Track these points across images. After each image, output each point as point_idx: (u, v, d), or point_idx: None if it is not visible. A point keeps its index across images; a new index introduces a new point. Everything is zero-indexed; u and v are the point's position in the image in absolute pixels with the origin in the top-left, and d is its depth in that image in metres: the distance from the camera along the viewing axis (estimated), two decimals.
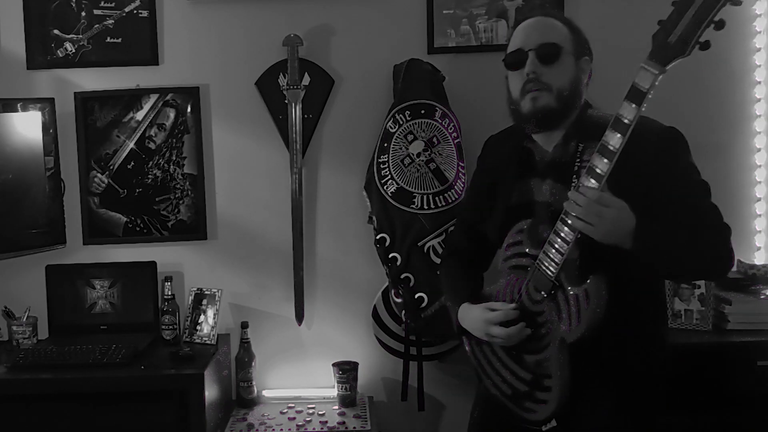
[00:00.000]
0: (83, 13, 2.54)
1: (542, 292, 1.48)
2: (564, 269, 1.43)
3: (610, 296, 1.39)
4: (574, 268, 1.44)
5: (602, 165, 1.35)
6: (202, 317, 2.50)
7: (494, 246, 1.70)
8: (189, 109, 2.56)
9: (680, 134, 1.49)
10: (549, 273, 1.45)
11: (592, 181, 1.37)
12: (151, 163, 2.58)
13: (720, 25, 1.23)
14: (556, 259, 1.43)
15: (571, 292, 1.43)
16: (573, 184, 1.46)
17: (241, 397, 2.50)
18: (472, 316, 1.60)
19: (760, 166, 2.57)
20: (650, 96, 1.31)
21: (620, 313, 1.41)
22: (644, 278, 1.52)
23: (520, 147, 1.62)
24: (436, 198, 2.36)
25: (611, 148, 1.34)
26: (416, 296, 2.37)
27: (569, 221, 1.39)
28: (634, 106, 1.32)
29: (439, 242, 2.34)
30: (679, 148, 1.49)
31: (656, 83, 1.31)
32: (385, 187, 2.40)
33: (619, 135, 1.33)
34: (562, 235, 1.41)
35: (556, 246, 1.42)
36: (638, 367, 1.52)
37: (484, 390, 1.68)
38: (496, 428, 1.67)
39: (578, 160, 1.49)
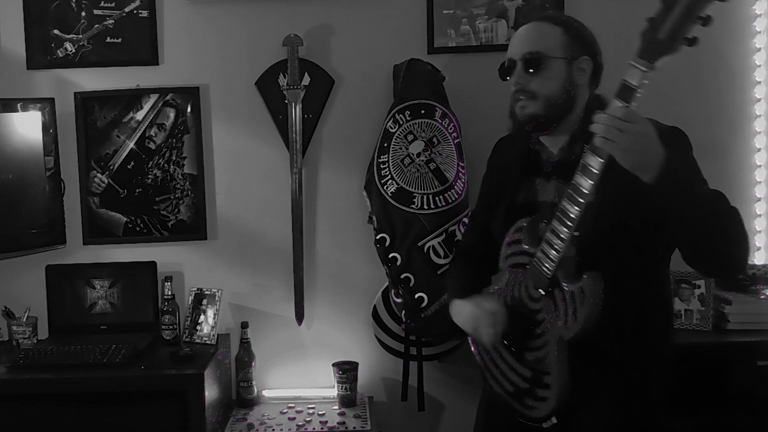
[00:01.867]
0: (83, 13, 2.54)
1: (540, 290, 1.49)
2: (562, 266, 1.45)
3: (608, 293, 1.40)
4: (572, 265, 1.45)
5: (595, 163, 1.33)
6: (202, 317, 2.50)
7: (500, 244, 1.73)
8: (189, 109, 2.56)
9: (683, 133, 1.51)
10: (546, 270, 1.46)
11: (621, 107, 1.31)
12: (151, 163, 2.58)
13: (707, 21, 1.21)
14: (552, 257, 1.44)
15: (567, 289, 1.44)
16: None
17: (241, 397, 2.50)
18: (460, 312, 1.63)
19: (760, 166, 2.57)
20: (639, 94, 1.29)
21: (620, 310, 1.42)
22: (645, 276, 1.53)
23: (527, 148, 1.64)
24: (436, 198, 2.36)
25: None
26: (416, 296, 2.37)
27: (575, 195, 1.37)
28: (623, 103, 1.30)
29: (439, 242, 2.34)
30: (684, 145, 1.50)
31: (645, 81, 1.29)
32: (385, 187, 2.40)
33: None
34: (559, 232, 1.42)
35: (554, 244, 1.44)
36: (639, 365, 1.53)
37: (489, 389, 1.69)
38: (501, 428, 1.67)
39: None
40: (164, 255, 2.57)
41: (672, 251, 1.55)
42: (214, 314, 2.49)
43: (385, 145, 2.40)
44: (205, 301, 2.52)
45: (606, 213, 1.41)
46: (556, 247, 1.43)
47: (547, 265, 1.46)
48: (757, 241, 2.58)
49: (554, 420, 1.50)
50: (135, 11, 2.54)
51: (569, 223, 1.40)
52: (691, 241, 1.39)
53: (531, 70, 1.52)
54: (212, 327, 2.48)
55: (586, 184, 1.35)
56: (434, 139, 2.38)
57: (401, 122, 2.39)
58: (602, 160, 1.32)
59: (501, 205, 1.66)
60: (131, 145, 2.57)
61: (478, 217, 1.84)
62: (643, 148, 1.29)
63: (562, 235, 1.41)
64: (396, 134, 2.40)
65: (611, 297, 1.40)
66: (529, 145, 1.64)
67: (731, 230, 1.39)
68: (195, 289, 2.55)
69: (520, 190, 1.62)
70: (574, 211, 1.38)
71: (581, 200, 1.36)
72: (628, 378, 1.52)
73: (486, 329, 1.55)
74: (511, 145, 1.73)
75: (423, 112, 2.38)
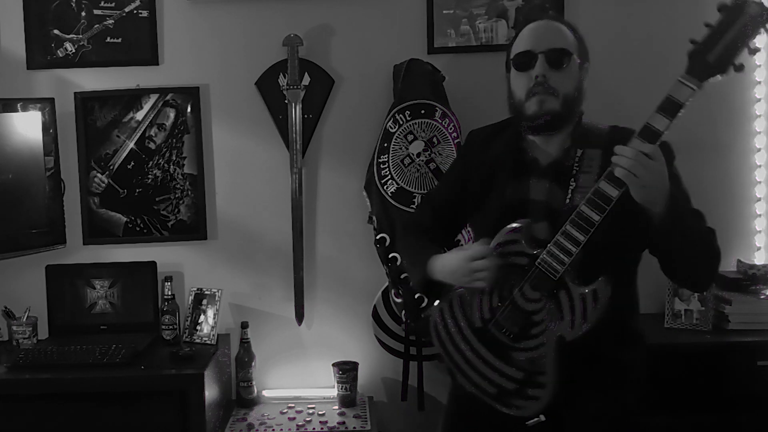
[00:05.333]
0: (83, 13, 2.54)
1: (542, 292, 1.49)
2: (571, 269, 1.46)
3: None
4: (579, 269, 1.47)
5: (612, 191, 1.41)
6: (202, 317, 2.50)
7: (457, 233, 1.85)
8: (189, 109, 2.56)
9: (668, 144, 1.52)
10: (553, 273, 1.47)
11: (648, 144, 1.37)
12: (151, 163, 2.58)
13: (755, 51, 1.34)
14: (563, 260, 1.45)
15: (579, 292, 1.46)
16: (571, 187, 1.51)
17: (241, 397, 2.50)
18: (448, 260, 1.59)
19: (760, 166, 2.57)
20: (681, 113, 1.35)
21: (611, 312, 1.46)
22: (631, 281, 1.60)
23: (516, 146, 1.63)
24: None
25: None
26: (416, 296, 2.37)
27: (608, 187, 1.40)
28: (667, 118, 1.36)
29: None
30: (669, 157, 1.51)
31: (692, 97, 1.35)
32: (385, 187, 2.40)
33: (649, 145, 1.37)
34: (573, 236, 1.44)
35: (566, 247, 1.45)
36: (625, 363, 1.58)
37: (460, 387, 1.67)
38: (473, 422, 1.68)
39: (577, 164, 1.53)
40: (164, 255, 2.57)
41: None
42: (214, 314, 2.49)
43: (385, 145, 2.40)
44: (205, 301, 2.52)
45: (617, 222, 1.43)
46: (570, 249, 1.44)
47: (556, 266, 1.46)
48: (757, 241, 2.58)
49: (542, 418, 1.51)
50: (135, 11, 2.54)
51: (588, 228, 1.42)
52: (675, 261, 1.50)
53: (556, 66, 1.52)
54: (212, 327, 2.48)
55: (613, 193, 1.40)
56: (434, 139, 2.38)
57: (401, 122, 2.39)
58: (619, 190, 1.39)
59: (489, 202, 1.64)
60: (131, 145, 2.57)
61: (439, 203, 1.80)
62: (657, 186, 1.37)
63: (578, 239, 1.43)
64: (396, 134, 2.40)
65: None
66: (518, 143, 1.63)
67: (709, 253, 1.50)
68: (195, 289, 2.55)
69: (509, 188, 1.60)
70: (595, 217, 1.41)
71: (606, 207, 1.41)
72: (617, 376, 1.56)
73: (482, 272, 1.51)
74: (493, 139, 1.70)
75: (423, 112, 2.38)
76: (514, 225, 1.53)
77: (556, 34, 1.55)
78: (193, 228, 2.60)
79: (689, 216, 1.48)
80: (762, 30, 1.32)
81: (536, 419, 1.51)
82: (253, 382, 2.51)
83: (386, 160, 2.40)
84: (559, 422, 1.53)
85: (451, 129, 2.39)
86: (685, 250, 1.46)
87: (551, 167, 1.58)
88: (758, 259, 2.57)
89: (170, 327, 2.45)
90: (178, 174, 2.58)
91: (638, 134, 1.38)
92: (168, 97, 2.56)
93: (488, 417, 1.60)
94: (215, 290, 2.52)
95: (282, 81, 2.52)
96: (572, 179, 1.52)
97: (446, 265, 1.60)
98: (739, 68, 1.34)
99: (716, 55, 1.34)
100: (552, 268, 1.46)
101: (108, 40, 2.55)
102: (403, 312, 2.43)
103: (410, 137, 2.39)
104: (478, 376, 1.60)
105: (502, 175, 1.62)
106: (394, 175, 2.39)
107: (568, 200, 1.51)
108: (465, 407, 1.70)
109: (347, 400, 2.46)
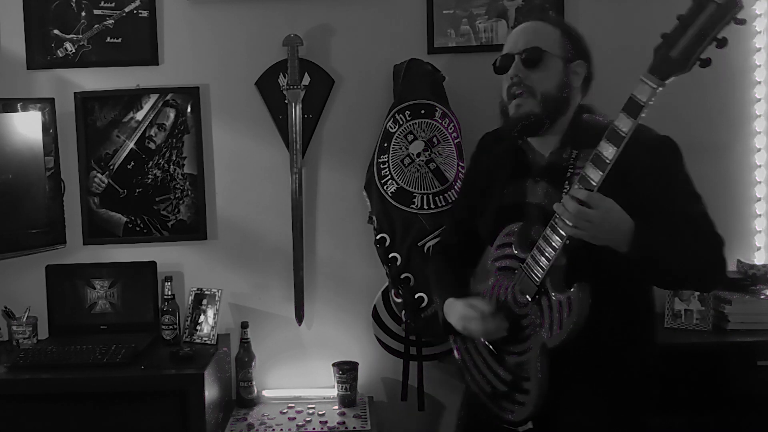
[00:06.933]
0: (83, 13, 2.54)
1: (527, 296, 1.48)
2: (551, 275, 1.43)
3: (596, 303, 1.38)
4: (561, 275, 1.44)
5: (595, 175, 1.34)
6: (202, 317, 2.50)
7: (484, 243, 1.70)
8: (189, 109, 2.56)
9: (675, 144, 1.50)
10: (535, 278, 1.45)
11: (583, 190, 1.35)
12: (151, 163, 2.58)
13: (722, 42, 1.22)
14: (542, 265, 1.43)
15: (555, 299, 1.43)
16: (565, 189, 1.47)
17: (241, 397, 2.50)
18: (454, 311, 1.63)
19: (760, 166, 2.57)
20: (645, 113, 1.31)
21: (604, 318, 1.41)
22: (629, 283, 1.51)
23: (514, 148, 1.63)
24: (436, 198, 2.36)
25: (605, 159, 1.32)
26: (416, 296, 2.37)
27: (559, 226, 1.39)
28: (630, 118, 1.30)
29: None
30: (673, 158, 1.49)
31: (654, 97, 1.30)
32: (385, 187, 2.40)
33: (613, 147, 1.31)
34: (551, 241, 1.41)
35: (545, 252, 1.43)
36: (622, 370, 1.52)
37: (467, 388, 1.69)
38: (481, 428, 1.67)
39: (571, 166, 1.50)
40: (164, 255, 2.57)
41: None
42: (214, 314, 2.49)
43: (385, 145, 2.40)
44: (205, 301, 2.52)
45: None
46: (547, 254, 1.42)
47: (536, 272, 1.45)
48: (757, 241, 2.58)
49: (530, 425, 1.50)
50: (135, 11, 2.54)
51: (562, 232, 1.39)
52: (662, 277, 1.50)
53: (530, 65, 1.52)
54: (212, 327, 2.48)
55: (581, 194, 1.35)
56: (434, 139, 2.38)
57: (401, 122, 2.39)
58: (601, 172, 1.34)
59: (489, 205, 1.64)
60: (131, 145, 2.57)
61: (459, 215, 1.82)
62: (608, 232, 1.35)
63: (554, 244, 1.41)
64: (396, 134, 2.40)
65: (598, 308, 1.39)
66: (517, 144, 1.63)
67: (705, 267, 1.46)
68: (195, 289, 2.55)
69: (508, 191, 1.60)
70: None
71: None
72: (610, 384, 1.50)
73: (477, 327, 1.54)
74: (497, 143, 1.70)
75: (423, 112, 2.38)
76: (508, 229, 1.54)
77: (534, 33, 1.55)
78: (193, 228, 2.60)
79: (671, 245, 1.40)
80: (731, 20, 1.20)
81: (525, 426, 1.50)
82: (253, 382, 2.51)
83: (386, 160, 2.40)
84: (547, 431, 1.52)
85: (451, 129, 2.39)
86: (668, 271, 1.43)
87: (547, 169, 1.56)
88: (758, 259, 2.56)
89: (170, 327, 2.45)
90: (178, 174, 2.58)
91: (605, 137, 1.33)
92: (168, 97, 2.56)
93: (492, 426, 1.59)
94: (215, 290, 2.52)
95: (282, 81, 2.52)
96: (566, 181, 1.49)
97: (453, 313, 1.64)
98: (705, 63, 1.24)
99: (680, 50, 1.24)
100: (534, 273, 1.45)
101: (108, 40, 2.55)
102: (403, 312, 2.43)
103: (410, 137, 2.39)
104: (479, 374, 1.61)
105: (500, 177, 1.62)
106: (394, 175, 2.39)
107: None
108: (477, 416, 1.68)
109: (347, 400, 2.46)
